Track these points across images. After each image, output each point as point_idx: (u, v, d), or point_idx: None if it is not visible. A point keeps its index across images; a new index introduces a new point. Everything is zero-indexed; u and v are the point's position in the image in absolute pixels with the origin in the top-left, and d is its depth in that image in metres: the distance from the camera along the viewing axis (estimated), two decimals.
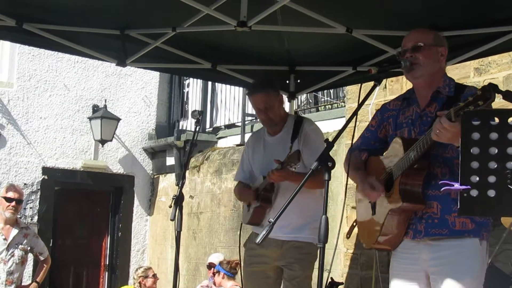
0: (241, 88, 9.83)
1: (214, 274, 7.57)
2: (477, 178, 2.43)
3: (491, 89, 2.71)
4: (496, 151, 2.42)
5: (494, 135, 2.42)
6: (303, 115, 6.95)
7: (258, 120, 9.92)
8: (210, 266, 7.73)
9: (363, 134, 3.73)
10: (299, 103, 9.46)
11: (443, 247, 3.24)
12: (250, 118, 10.20)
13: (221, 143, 10.47)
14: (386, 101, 6.54)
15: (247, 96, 5.58)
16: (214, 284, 7.52)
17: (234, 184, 9.26)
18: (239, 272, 7.32)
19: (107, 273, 11.19)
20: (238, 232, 5.08)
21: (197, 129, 4.67)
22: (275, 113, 4.66)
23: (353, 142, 3.75)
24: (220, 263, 7.40)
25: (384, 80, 6.28)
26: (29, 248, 6.72)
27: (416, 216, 3.29)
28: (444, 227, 3.23)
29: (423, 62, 3.35)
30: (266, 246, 4.48)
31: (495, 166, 2.42)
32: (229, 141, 10.33)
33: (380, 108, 3.71)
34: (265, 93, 4.60)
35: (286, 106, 5.33)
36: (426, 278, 3.31)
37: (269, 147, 4.75)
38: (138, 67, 7.31)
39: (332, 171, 3.02)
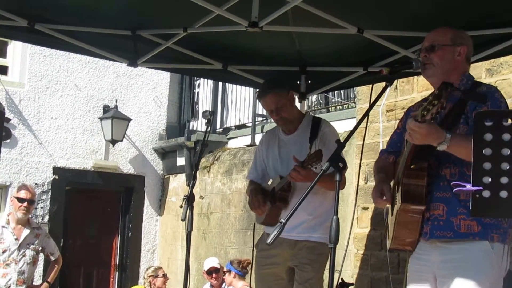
0: (251, 89, 9.83)
1: (218, 276, 7.60)
2: (489, 179, 2.42)
3: (443, 88, 2.82)
4: (509, 152, 2.41)
5: (506, 136, 2.41)
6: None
7: (269, 120, 9.97)
8: (211, 271, 7.70)
9: (391, 136, 3.75)
10: (309, 104, 9.45)
11: (452, 251, 3.22)
12: (260, 118, 10.20)
13: (232, 144, 10.48)
14: (397, 102, 6.58)
15: (257, 100, 5.56)
16: (223, 282, 7.54)
17: (244, 184, 9.31)
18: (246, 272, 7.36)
19: (117, 273, 11.22)
20: (250, 233, 5.05)
21: (208, 130, 4.67)
22: (288, 112, 4.64)
23: (364, 143, 3.78)
24: (231, 262, 7.41)
25: (395, 81, 6.26)
26: (40, 248, 6.74)
27: (424, 218, 3.29)
28: (449, 229, 3.22)
29: (436, 62, 3.35)
30: (278, 246, 4.47)
31: (508, 167, 2.41)
32: (240, 141, 10.33)
33: (406, 110, 3.72)
34: (274, 94, 4.58)
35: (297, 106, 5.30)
36: (435, 281, 3.30)
37: (285, 146, 4.72)
38: (149, 68, 7.33)
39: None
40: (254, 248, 4.88)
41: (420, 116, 2.93)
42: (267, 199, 4.66)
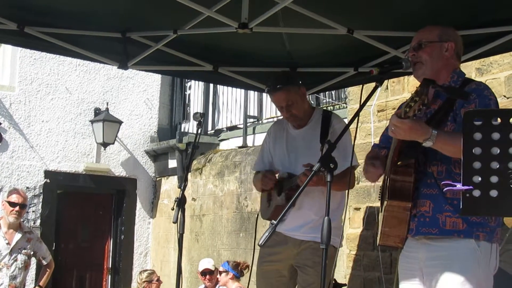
0: (242, 90, 9.83)
1: (212, 278, 7.58)
2: (480, 178, 2.42)
3: (424, 84, 2.85)
4: (498, 151, 2.41)
5: (496, 135, 2.41)
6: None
7: (261, 122, 9.97)
8: (205, 272, 7.70)
9: (383, 132, 3.76)
10: None
11: (438, 248, 3.23)
12: (252, 120, 10.20)
13: (223, 145, 10.48)
14: (388, 102, 6.58)
15: (267, 95, 5.46)
16: (217, 284, 7.53)
17: (236, 186, 9.32)
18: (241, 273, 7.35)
19: (110, 276, 11.21)
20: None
21: (199, 132, 4.67)
22: (299, 109, 4.60)
23: (355, 143, 3.78)
24: (228, 262, 7.41)
25: (386, 81, 6.27)
26: (32, 252, 6.71)
27: (411, 214, 3.30)
28: (434, 226, 3.23)
29: (425, 60, 3.37)
30: (283, 244, 4.47)
31: (498, 166, 2.41)
32: (231, 143, 10.33)
33: (398, 107, 3.73)
34: (285, 91, 4.53)
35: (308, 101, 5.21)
36: (422, 277, 3.31)
37: (293, 141, 4.68)
38: (139, 70, 7.33)
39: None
40: (257, 246, 4.86)
41: (403, 113, 2.95)
42: (275, 188, 4.63)
